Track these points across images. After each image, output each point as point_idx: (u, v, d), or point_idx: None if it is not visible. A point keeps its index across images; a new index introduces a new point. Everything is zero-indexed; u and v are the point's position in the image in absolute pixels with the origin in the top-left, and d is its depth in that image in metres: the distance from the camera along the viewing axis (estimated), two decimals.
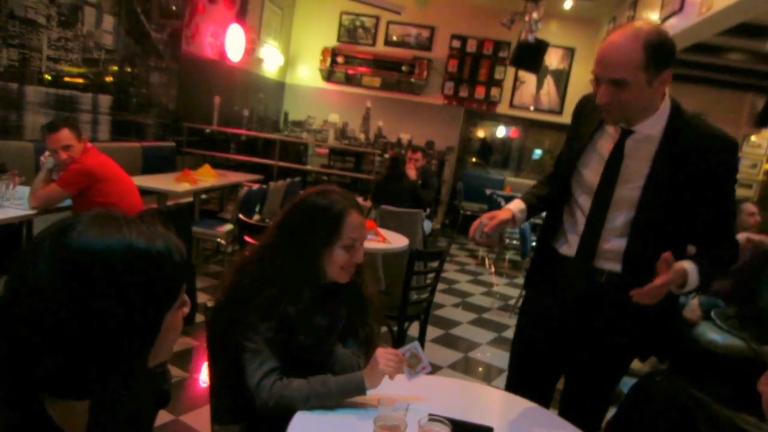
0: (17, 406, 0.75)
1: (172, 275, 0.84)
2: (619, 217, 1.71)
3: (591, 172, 1.77)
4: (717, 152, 1.63)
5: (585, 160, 1.79)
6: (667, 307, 1.78)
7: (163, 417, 2.73)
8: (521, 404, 1.66)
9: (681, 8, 5.14)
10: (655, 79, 1.56)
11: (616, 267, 1.73)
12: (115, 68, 5.48)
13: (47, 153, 3.31)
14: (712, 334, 3.77)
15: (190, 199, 5.45)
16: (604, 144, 1.75)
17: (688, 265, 1.58)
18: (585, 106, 1.90)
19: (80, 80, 5.06)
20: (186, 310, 0.91)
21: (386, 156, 8.35)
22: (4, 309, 0.77)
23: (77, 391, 0.80)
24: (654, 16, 5.92)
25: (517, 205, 1.94)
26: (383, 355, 1.46)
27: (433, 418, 1.26)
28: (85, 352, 0.76)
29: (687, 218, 1.66)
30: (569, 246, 1.82)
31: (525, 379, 1.96)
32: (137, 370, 0.84)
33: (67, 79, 4.90)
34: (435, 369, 3.81)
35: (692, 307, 3.90)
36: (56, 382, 0.77)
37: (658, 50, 1.54)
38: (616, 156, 1.70)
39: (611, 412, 1.86)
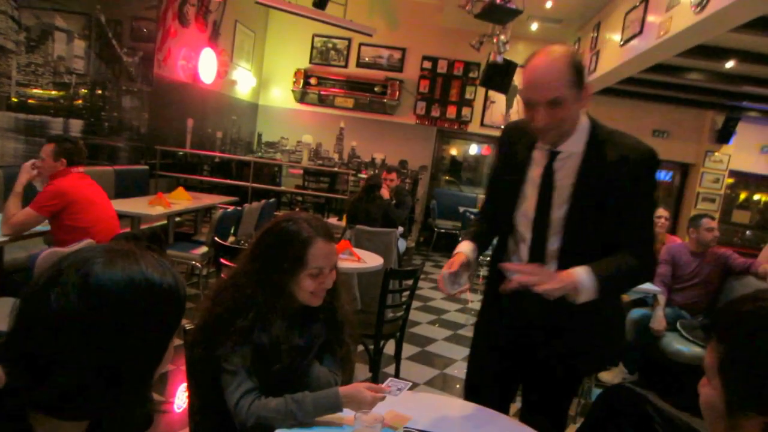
0: (7, 422, 0.79)
1: (178, 306, 0.93)
2: (557, 239, 1.76)
3: (528, 202, 1.81)
4: (635, 163, 1.67)
5: (523, 192, 1.83)
6: (612, 323, 1.84)
7: None
8: (496, 417, 1.72)
9: (641, 31, 5.35)
10: (580, 94, 1.64)
11: None
12: (86, 92, 5.47)
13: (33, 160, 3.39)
14: (678, 345, 3.89)
15: (164, 222, 5.43)
16: (535, 170, 1.80)
17: (581, 272, 1.59)
18: (511, 135, 1.93)
19: (51, 105, 5.04)
20: (177, 340, 0.97)
21: (361, 176, 8.44)
22: (19, 333, 0.82)
23: (81, 411, 0.85)
24: (616, 37, 6.14)
25: (467, 246, 1.92)
26: (370, 392, 1.49)
27: None
28: (99, 374, 0.82)
29: (612, 229, 1.70)
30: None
31: (479, 397, 1.94)
32: (141, 393, 0.89)
33: (37, 103, 4.88)
34: (411, 386, 3.84)
35: (658, 318, 4.02)
36: (60, 402, 0.82)
37: (579, 67, 1.63)
38: (547, 179, 1.76)
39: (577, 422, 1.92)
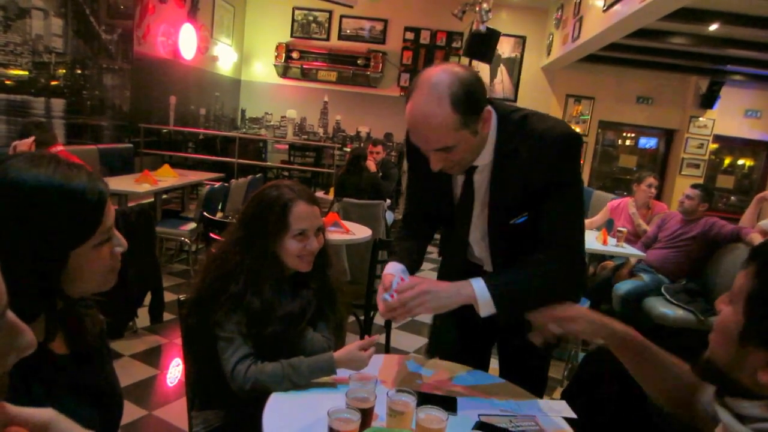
0: None
1: (82, 211, 0.92)
2: (485, 247, 1.72)
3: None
4: (543, 152, 1.45)
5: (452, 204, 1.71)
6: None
7: (136, 413, 2.76)
8: (484, 377, 1.76)
9: None
10: (477, 125, 1.42)
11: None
12: (66, 71, 5.39)
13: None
14: (663, 309, 3.99)
15: (152, 199, 5.41)
16: (459, 183, 1.65)
17: (475, 285, 1.47)
18: None
19: (31, 84, 4.96)
20: (119, 249, 0.99)
21: (346, 149, 8.42)
22: None
23: None
24: (599, 2, 6.12)
25: (395, 268, 1.69)
26: (363, 352, 1.53)
27: (400, 390, 1.35)
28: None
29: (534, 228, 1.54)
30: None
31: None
32: (45, 293, 0.88)
33: (17, 84, 4.81)
34: (402, 354, 3.90)
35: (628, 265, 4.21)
36: None
37: (469, 99, 1.37)
38: (468, 195, 1.62)
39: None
